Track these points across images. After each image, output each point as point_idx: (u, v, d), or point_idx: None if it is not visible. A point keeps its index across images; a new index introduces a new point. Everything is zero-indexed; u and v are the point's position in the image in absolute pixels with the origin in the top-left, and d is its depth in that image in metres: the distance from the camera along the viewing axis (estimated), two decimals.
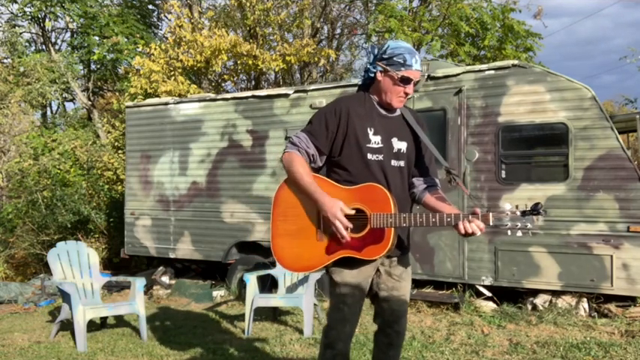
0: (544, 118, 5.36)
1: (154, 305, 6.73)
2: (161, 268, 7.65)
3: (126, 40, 12.74)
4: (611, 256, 5.06)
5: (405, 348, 4.31)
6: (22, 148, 10.71)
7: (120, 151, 10.78)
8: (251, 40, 11.55)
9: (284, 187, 2.56)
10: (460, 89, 5.74)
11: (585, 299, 5.32)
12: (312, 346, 4.54)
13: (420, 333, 4.89)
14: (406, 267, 2.65)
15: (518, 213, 2.25)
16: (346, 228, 2.35)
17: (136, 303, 5.05)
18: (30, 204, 9.79)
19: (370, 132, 2.48)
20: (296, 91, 6.66)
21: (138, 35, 13.00)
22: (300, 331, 5.04)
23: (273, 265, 5.86)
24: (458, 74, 5.78)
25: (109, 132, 12.09)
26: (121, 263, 9.07)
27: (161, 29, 15.15)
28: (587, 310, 5.29)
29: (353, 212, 2.38)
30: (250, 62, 10.86)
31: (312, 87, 6.72)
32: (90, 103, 14.36)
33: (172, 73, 10.74)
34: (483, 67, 5.72)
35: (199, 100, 7.39)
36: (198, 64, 10.71)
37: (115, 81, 13.97)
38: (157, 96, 10.03)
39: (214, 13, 12.69)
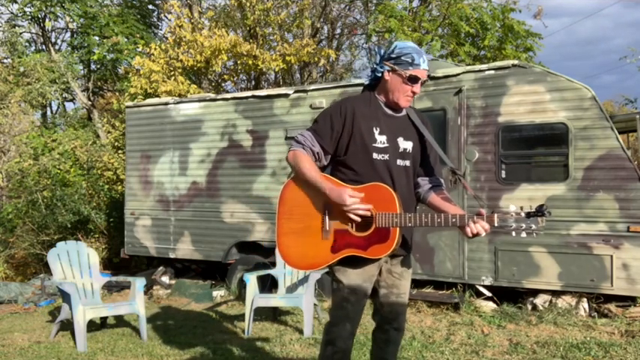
0: (544, 118, 5.36)
1: (154, 305, 6.73)
2: (161, 268, 7.65)
3: (126, 40, 12.74)
4: (611, 256, 5.06)
5: (405, 348, 4.32)
6: (22, 148, 10.71)
7: (120, 151, 10.78)
8: (251, 40, 11.55)
9: (289, 185, 2.57)
10: (460, 89, 5.74)
11: (585, 299, 5.32)
12: (312, 346, 4.54)
13: (420, 333, 4.89)
14: (407, 266, 2.66)
15: (523, 214, 2.26)
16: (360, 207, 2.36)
17: (136, 303, 5.05)
18: (30, 204, 9.79)
19: (376, 131, 2.50)
20: (296, 91, 6.66)
21: (138, 35, 13.00)
22: (300, 331, 5.04)
23: (273, 265, 5.86)
24: (458, 74, 5.78)
25: (109, 132, 12.09)
26: (121, 263, 9.06)
27: (161, 29, 15.18)
28: (587, 310, 5.29)
29: (362, 195, 2.39)
30: (250, 62, 10.86)
31: (312, 87, 6.72)
32: (90, 103, 14.36)
33: (172, 73, 10.74)
34: (483, 67, 5.72)
35: (199, 100, 7.39)
36: (198, 64, 10.71)
37: (115, 81, 13.97)
38: (157, 96, 10.03)
39: (214, 13, 12.69)
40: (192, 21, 11.56)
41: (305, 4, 11.64)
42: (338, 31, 14.17)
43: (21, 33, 14.17)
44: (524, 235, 2.29)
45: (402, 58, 2.46)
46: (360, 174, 2.48)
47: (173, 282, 7.51)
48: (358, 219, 2.40)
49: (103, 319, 5.41)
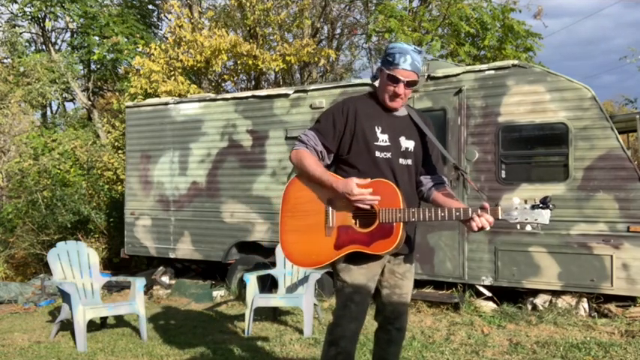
0: (544, 118, 5.36)
1: (154, 305, 6.73)
2: (161, 268, 7.65)
3: (126, 40, 12.74)
4: (611, 256, 5.06)
5: (405, 348, 4.32)
6: (22, 148, 10.71)
7: (120, 151, 10.78)
8: (251, 40, 11.55)
9: (293, 184, 2.59)
10: (460, 89, 5.74)
11: (585, 299, 5.32)
12: (312, 346, 4.55)
13: (420, 333, 4.89)
14: (410, 266, 2.67)
15: (528, 207, 2.25)
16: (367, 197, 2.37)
17: (136, 303, 5.05)
18: (30, 204, 9.79)
19: (378, 130, 2.52)
20: (296, 91, 6.66)
21: (138, 35, 13.00)
22: (300, 331, 5.04)
23: (273, 265, 5.86)
24: (458, 74, 5.78)
25: (109, 132, 12.09)
26: (121, 263, 9.06)
27: (161, 29, 15.18)
28: (587, 310, 5.29)
29: (369, 182, 2.41)
30: (250, 62, 10.86)
31: (312, 87, 6.72)
32: (90, 103, 14.36)
33: (172, 73, 10.74)
34: (483, 67, 5.72)
35: (199, 100, 7.39)
36: (198, 64, 10.71)
37: (115, 81, 13.97)
38: (157, 96, 10.03)
39: (214, 13, 12.69)
40: (192, 21, 11.57)
41: (305, 4, 11.64)
42: (338, 31, 14.18)
43: (21, 33, 14.17)
44: (529, 228, 2.27)
45: (387, 57, 2.49)
46: (363, 172, 2.49)
47: (173, 282, 7.51)
48: (367, 207, 2.38)
49: (103, 319, 5.41)
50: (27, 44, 14.72)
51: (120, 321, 5.70)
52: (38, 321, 5.98)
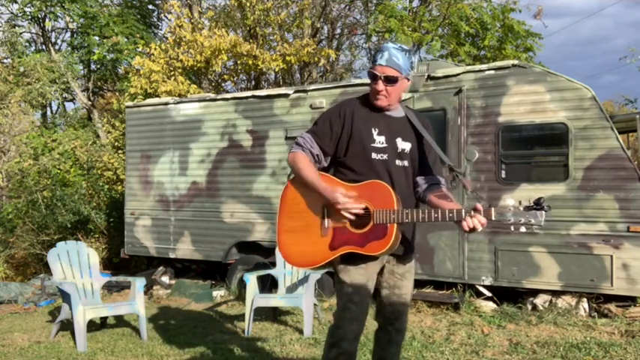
0: (544, 118, 5.36)
1: (154, 305, 6.73)
2: (161, 268, 7.65)
3: (126, 40, 12.74)
4: (611, 256, 5.06)
5: (405, 348, 4.31)
6: (22, 148, 10.71)
7: (120, 151, 10.78)
8: (251, 40, 11.54)
9: (291, 185, 2.63)
10: (460, 89, 5.74)
11: (585, 299, 5.32)
12: (312, 346, 4.55)
13: (420, 333, 4.89)
14: (410, 266, 2.67)
15: (521, 208, 2.25)
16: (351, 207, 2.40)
17: (136, 303, 5.05)
18: (30, 204, 9.79)
19: (374, 132, 2.53)
20: (296, 91, 6.66)
21: (138, 35, 13.00)
22: (300, 331, 5.04)
23: (273, 265, 5.86)
24: (458, 74, 5.78)
25: (109, 132, 12.09)
26: (121, 263, 9.06)
27: (161, 29, 15.17)
28: (587, 310, 5.29)
29: (355, 194, 2.43)
30: (250, 62, 10.85)
31: (312, 87, 6.72)
32: (90, 103, 14.36)
33: (172, 73, 10.74)
34: (483, 67, 5.72)
35: (199, 100, 7.39)
36: (198, 64, 10.71)
37: (115, 81, 13.97)
38: (157, 96, 10.03)
39: (214, 13, 12.68)
40: (192, 21, 11.56)
41: (305, 4, 11.64)
42: (338, 31, 14.17)
43: (21, 33, 14.17)
44: (523, 229, 2.26)
45: (373, 57, 2.54)
46: (360, 174, 2.50)
47: (173, 282, 7.51)
48: (352, 217, 2.42)
49: (103, 319, 5.41)
50: (27, 44, 14.72)
51: (120, 321, 5.70)
52: (38, 321, 5.98)
